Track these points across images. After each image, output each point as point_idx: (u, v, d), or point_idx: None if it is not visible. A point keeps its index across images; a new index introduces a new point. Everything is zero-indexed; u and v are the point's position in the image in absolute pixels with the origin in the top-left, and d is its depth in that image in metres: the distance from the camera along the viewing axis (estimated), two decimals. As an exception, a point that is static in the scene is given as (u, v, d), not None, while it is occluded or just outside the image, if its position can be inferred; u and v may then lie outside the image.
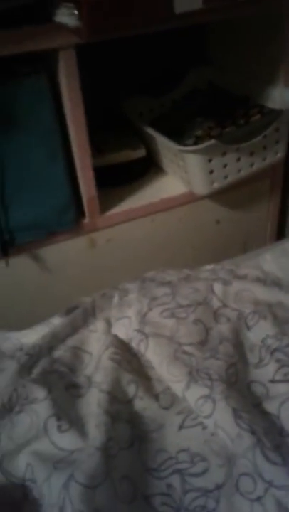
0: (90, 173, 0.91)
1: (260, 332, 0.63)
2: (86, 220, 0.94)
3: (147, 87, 1.15)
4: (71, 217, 0.92)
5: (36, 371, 0.60)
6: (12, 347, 0.67)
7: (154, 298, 0.68)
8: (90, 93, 0.83)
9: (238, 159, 0.95)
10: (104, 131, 1.07)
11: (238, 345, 0.62)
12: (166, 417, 0.56)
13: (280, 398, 0.54)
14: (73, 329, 0.68)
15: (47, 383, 0.58)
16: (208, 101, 1.11)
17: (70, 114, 0.83)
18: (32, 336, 0.68)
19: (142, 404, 0.56)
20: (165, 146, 0.98)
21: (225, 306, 0.67)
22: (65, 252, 0.95)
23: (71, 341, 0.67)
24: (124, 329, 0.65)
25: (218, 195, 1.03)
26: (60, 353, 0.65)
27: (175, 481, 0.50)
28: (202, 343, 0.61)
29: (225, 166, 0.94)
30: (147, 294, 0.69)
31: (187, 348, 0.60)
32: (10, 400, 0.56)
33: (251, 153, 0.96)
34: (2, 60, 0.74)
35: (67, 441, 0.52)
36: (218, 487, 0.48)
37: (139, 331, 0.63)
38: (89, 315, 0.70)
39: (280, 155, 1.00)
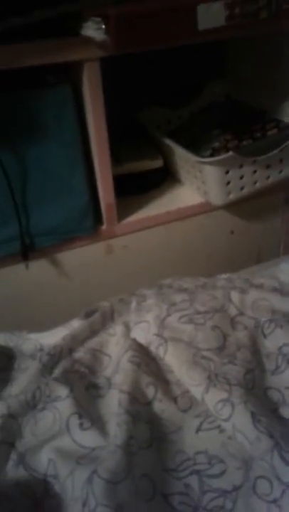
0: (110, 181, 0.93)
1: (276, 340, 0.64)
2: (104, 227, 0.97)
3: (165, 99, 1.18)
4: (90, 224, 0.95)
5: (58, 371, 0.62)
6: (32, 348, 0.69)
7: (173, 304, 0.70)
8: (110, 104, 0.85)
9: (255, 172, 0.97)
10: (123, 142, 1.10)
11: (255, 352, 0.63)
12: (184, 419, 0.57)
13: (296, 404, 0.55)
14: (92, 332, 0.70)
15: (68, 382, 0.59)
16: (225, 114, 1.13)
17: (92, 124, 0.86)
18: (52, 338, 0.69)
19: (161, 406, 0.58)
20: (183, 157, 1.01)
21: (242, 314, 0.69)
22: (83, 257, 0.97)
23: (90, 344, 0.68)
24: (143, 333, 0.67)
25: (233, 206, 1.05)
26: (80, 354, 0.66)
27: (193, 481, 0.51)
28: (220, 349, 0.63)
29: (241, 177, 0.96)
30: (166, 300, 0.71)
31: (206, 353, 0.62)
32: (33, 397, 0.57)
33: (267, 166, 0.98)
34: (29, 70, 0.77)
35: (88, 438, 0.53)
36: (236, 488, 0.50)
37: (158, 335, 0.65)
38: (107, 319, 0.72)
39: (296, 169, 1.02)
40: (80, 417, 0.55)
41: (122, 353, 0.64)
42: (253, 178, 0.97)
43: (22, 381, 0.61)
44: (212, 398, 0.55)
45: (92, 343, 0.69)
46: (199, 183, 1.00)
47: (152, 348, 0.65)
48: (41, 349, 0.68)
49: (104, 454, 0.50)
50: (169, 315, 0.68)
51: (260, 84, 1.09)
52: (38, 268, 0.94)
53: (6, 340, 0.70)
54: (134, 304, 0.74)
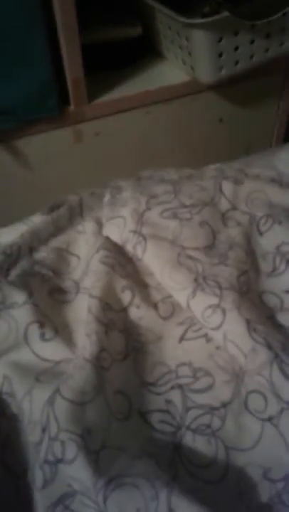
0: (77, 51, 0.76)
1: (274, 238, 0.55)
2: (71, 108, 0.81)
3: None
4: (53, 103, 0.79)
5: (14, 273, 0.52)
6: (-15, 247, 0.58)
7: (154, 196, 0.58)
8: None
9: (252, 41, 0.80)
10: (94, 4, 0.89)
11: (250, 252, 0.54)
12: (165, 327, 0.49)
13: (297, 310, 0.47)
14: (57, 229, 0.59)
15: (27, 286, 0.49)
16: None
17: None
18: (8, 236, 0.58)
19: (138, 313, 0.49)
20: (166, 21, 0.82)
21: (234, 208, 0.58)
22: (47, 144, 0.82)
23: (55, 242, 0.57)
24: (117, 230, 0.56)
25: (223, 89, 0.90)
26: (42, 254, 0.56)
27: (175, 396, 0.44)
28: (209, 248, 0.53)
29: (236, 48, 0.80)
30: (145, 192, 0.59)
31: (192, 253, 0.52)
32: (-17, 304, 0.47)
33: (267, 35, 0.81)
34: None
35: (51, 350, 0.45)
36: (224, 405, 0.43)
37: (135, 232, 0.54)
38: (76, 214, 0.60)
39: (301, 41, 0.86)
40: (42, 326, 0.46)
41: (92, 252, 0.54)
42: (249, 50, 0.81)
43: None
44: (199, 304, 0.46)
45: (57, 241, 0.58)
46: (185, 56, 0.83)
47: (129, 247, 0.54)
48: (-4, 248, 0.57)
49: (70, 370, 0.42)
50: (148, 209, 0.57)
51: None
52: (-7, 156, 0.79)
53: None
54: (107, 197, 0.62)
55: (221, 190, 0.59)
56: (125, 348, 0.46)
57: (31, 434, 0.38)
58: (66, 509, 0.35)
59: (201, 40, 0.77)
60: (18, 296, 0.48)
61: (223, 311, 0.45)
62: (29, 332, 0.46)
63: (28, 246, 0.55)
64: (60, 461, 0.36)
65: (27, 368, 0.43)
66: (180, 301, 0.48)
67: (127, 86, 0.86)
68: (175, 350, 0.47)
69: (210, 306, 0.46)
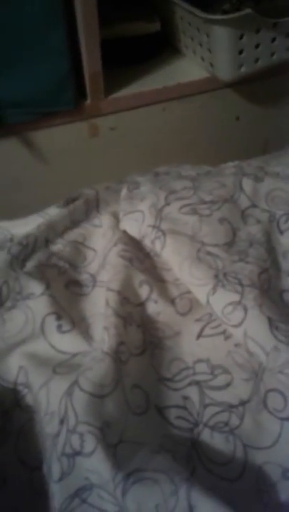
0: (96, 44, 0.75)
1: (294, 237, 0.54)
2: (88, 102, 0.80)
3: None
4: (70, 96, 0.78)
5: (31, 264, 0.51)
6: (2, 238, 0.57)
7: (173, 191, 0.57)
8: None
9: (273, 39, 0.79)
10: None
11: (270, 249, 0.53)
12: (182, 323, 0.48)
13: None
14: (73, 223, 0.58)
15: (44, 278, 0.49)
16: None
17: None
18: (24, 227, 0.57)
19: (157, 308, 0.48)
20: (186, 17, 0.82)
21: (254, 206, 0.57)
22: (63, 137, 0.82)
23: (72, 235, 0.57)
24: (135, 224, 0.55)
25: (241, 86, 0.89)
26: (58, 247, 0.55)
27: (192, 393, 0.43)
28: (229, 245, 0.52)
29: (257, 46, 0.79)
30: (164, 187, 0.59)
31: (212, 249, 0.51)
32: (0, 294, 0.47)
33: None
34: None
35: (68, 343, 0.44)
36: (243, 403, 0.42)
37: (154, 226, 0.54)
38: (92, 208, 0.60)
39: None
40: (59, 317, 0.45)
41: (110, 246, 0.53)
42: (270, 47, 0.80)
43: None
44: (220, 300, 0.46)
45: (74, 234, 0.57)
46: (205, 52, 0.82)
47: (147, 242, 0.54)
48: (11, 240, 0.56)
49: (88, 362, 0.41)
50: (167, 204, 0.56)
51: None
52: (9, 148, 0.79)
53: None
54: (124, 192, 0.61)
55: (241, 187, 0.58)
56: (143, 343, 0.45)
57: (48, 426, 0.38)
58: (83, 502, 0.35)
59: (222, 36, 0.76)
60: (35, 287, 0.47)
61: (245, 308, 0.44)
62: (46, 323, 0.45)
63: (45, 238, 0.55)
64: (78, 453, 0.36)
65: (44, 359, 0.43)
66: (199, 298, 0.48)
67: (143, 82, 0.85)
68: (192, 347, 0.47)
69: (231, 303, 0.45)
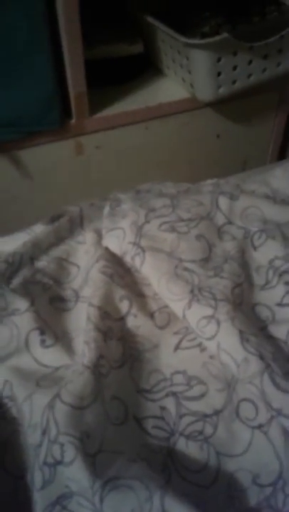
0: (81, 65, 0.78)
1: (267, 252, 0.57)
2: (73, 121, 0.83)
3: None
4: (55, 116, 0.81)
5: (16, 281, 0.53)
6: (-13, 255, 0.59)
7: (152, 209, 0.60)
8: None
9: (250, 62, 0.83)
10: (96, 20, 0.92)
11: (244, 265, 0.56)
12: (161, 336, 0.51)
13: (288, 323, 0.49)
14: (58, 239, 0.60)
15: (29, 294, 0.51)
16: (219, -8, 0.96)
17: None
18: (9, 245, 0.59)
19: (136, 322, 0.50)
20: (167, 40, 0.85)
21: (230, 222, 0.60)
22: (48, 156, 0.84)
23: (56, 252, 0.59)
24: (117, 241, 0.58)
25: (221, 106, 0.92)
26: (43, 263, 0.57)
27: (169, 403, 0.45)
28: (205, 261, 0.55)
29: (234, 68, 0.83)
30: (144, 205, 0.61)
31: (189, 265, 0.54)
32: (-14, 311, 0.49)
33: (265, 56, 0.84)
34: None
35: (51, 357, 0.46)
36: (217, 412, 0.45)
37: (134, 243, 0.56)
38: (76, 225, 0.62)
39: (296, 62, 0.89)
40: (42, 332, 0.48)
41: (92, 262, 0.56)
42: (247, 69, 0.84)
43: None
44: (195, 314, 0.48)
45: (58, 251, 0.59)
46: (185, 74, 0.86)
47: (127, 258, 0.56)
48: (-3, 257, 0.58)
49: (69, 376, 0.43)
50: (147, 221, 0.59)
51: None
52: (-4, 166, 0.81)
53: None
54: (107, 209, 0.64)
55: (217, 205, 0.61)
56: (122, 356, 0.48)
57: (31, 437, 0.40)
58: (64, 509, 0.37)
59: (200, 59, 0.80)
60: (20, 304, 0.49)
61: (218, 322, 0.47)
62: (30, 338, 0.47)
63: (30, 255, 0.57)
64: (59, 462, 0.37)
65: (28, 373, 0.45)
66: (176, 312, 0.50)
67: (127, 101, 0.88)
68: (170, 359, 0.49)
69: (205, 317, 0.48)
